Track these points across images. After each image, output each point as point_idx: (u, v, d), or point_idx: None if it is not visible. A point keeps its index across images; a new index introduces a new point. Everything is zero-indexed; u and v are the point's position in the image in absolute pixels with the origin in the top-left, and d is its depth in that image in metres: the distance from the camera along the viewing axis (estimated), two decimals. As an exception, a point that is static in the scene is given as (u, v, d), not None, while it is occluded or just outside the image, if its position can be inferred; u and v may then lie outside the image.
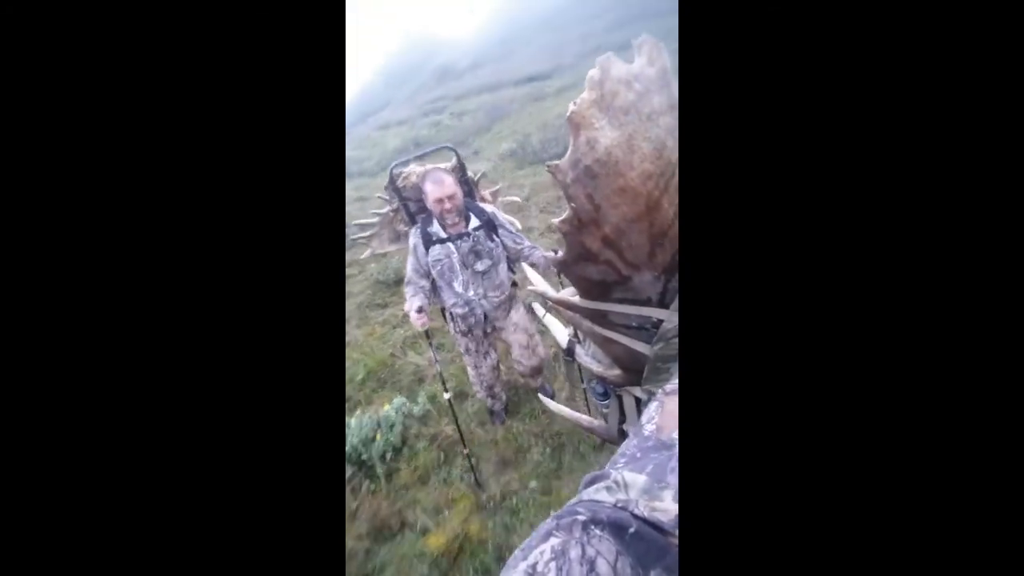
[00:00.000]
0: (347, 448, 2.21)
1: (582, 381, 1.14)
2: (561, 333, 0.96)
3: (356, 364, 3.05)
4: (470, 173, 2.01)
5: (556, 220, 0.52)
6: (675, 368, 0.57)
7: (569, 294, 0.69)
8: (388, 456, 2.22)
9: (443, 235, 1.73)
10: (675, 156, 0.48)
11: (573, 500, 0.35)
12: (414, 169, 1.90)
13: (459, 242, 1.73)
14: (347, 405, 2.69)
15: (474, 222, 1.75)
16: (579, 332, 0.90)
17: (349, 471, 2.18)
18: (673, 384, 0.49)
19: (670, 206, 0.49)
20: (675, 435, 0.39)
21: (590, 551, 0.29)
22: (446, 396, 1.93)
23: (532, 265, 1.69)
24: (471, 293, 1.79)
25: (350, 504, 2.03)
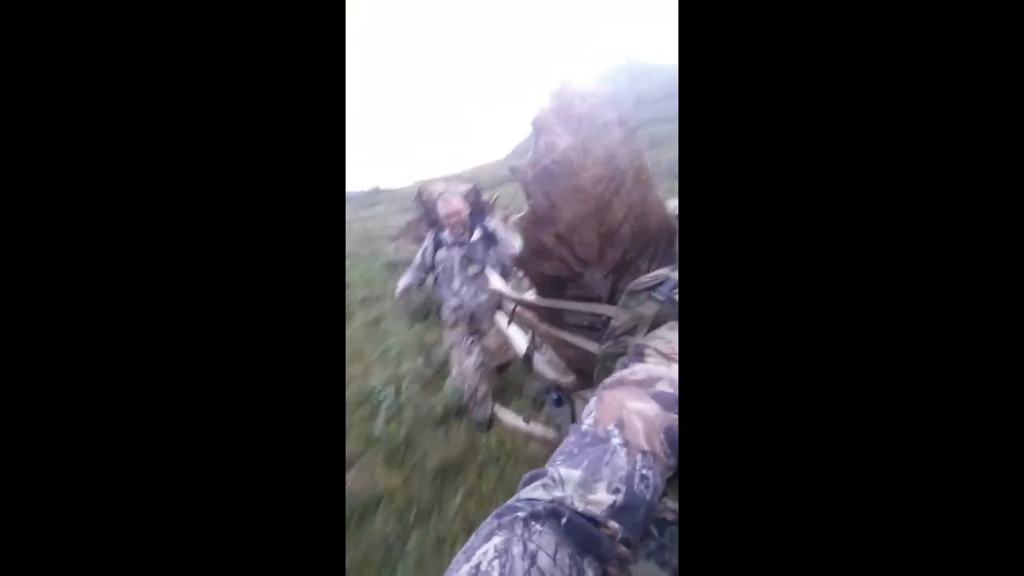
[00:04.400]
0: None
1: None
2: (521, 342, 0.99)
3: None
4: (485, 196, 2.48)
5: (516, 216, 0.57)
6: (619, 365, 0.61)
7: (529, 297, 0.73)
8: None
9: (449, 241, 2.18)
10: (624, 164, 0.53)
11: (512, 499, 0.36)
12: (436, 188, 2.37)
13: (459, 249, 2.16)
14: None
15: (476, 234, 2.18)
16: (537, 338, 0.93)
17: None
18: (612, 377, 0.53)
19: (619, 209, 0.55)
20: (611, 427, 0.40)
21: (531, 546, 0.30)
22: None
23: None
24: (464, 292, 2.18)
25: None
